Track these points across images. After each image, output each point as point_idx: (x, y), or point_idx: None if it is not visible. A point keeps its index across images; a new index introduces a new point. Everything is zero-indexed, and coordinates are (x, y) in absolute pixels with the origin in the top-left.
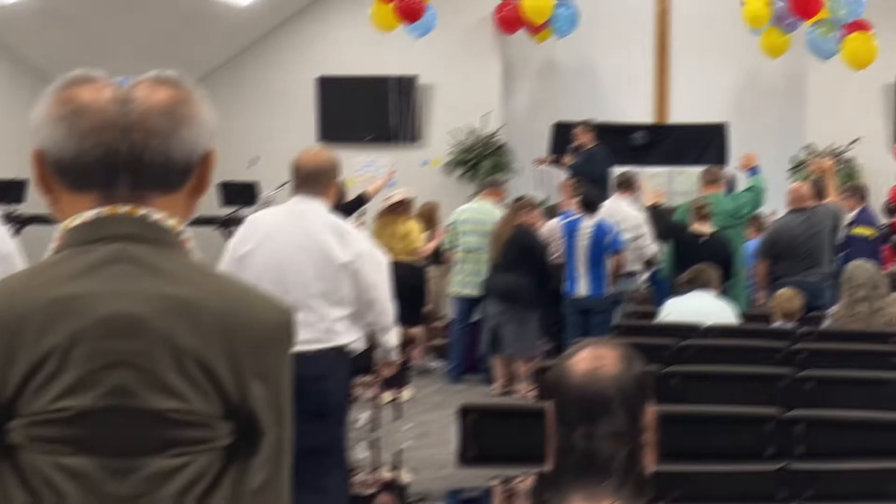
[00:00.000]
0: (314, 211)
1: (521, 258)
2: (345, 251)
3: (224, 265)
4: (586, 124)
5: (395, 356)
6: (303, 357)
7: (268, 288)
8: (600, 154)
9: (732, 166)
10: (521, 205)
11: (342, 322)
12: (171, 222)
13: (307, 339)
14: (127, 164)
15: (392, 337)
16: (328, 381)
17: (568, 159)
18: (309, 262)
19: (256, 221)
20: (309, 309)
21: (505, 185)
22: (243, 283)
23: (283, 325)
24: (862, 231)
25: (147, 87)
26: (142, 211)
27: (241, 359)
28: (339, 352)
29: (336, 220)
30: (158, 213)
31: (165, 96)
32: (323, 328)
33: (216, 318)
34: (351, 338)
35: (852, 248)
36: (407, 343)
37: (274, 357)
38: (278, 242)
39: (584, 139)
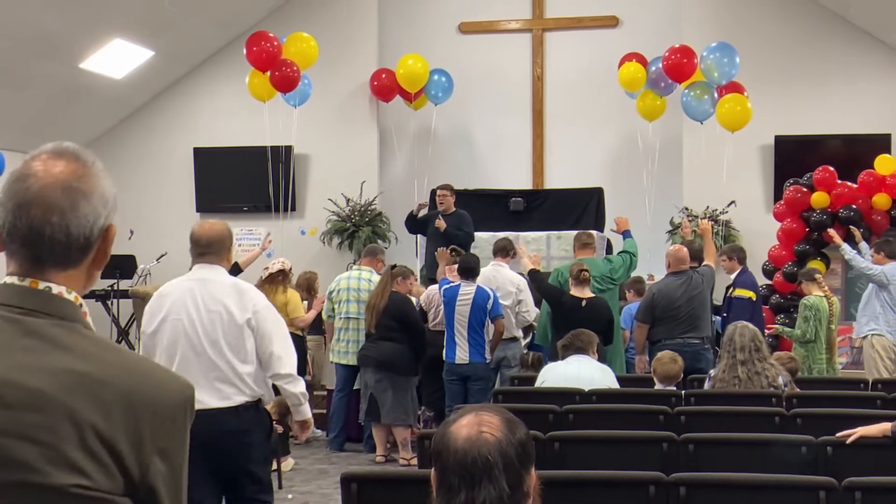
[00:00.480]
0: (215, 277)
1: (397, 326)
2: (244, 310)
3: (142, 336)
4: (449, 187)
5: (305, 412)
6: (223, 412)
7: (183, 349)
8: (467, 215)
9: (609, 230)
10: (395, 273)
11: (251, 377)
12: (72, 296)
13: (226, 393)
14: (25, 239)
15: (297, 385)
16: (251, 435)
17: (441, 223)
18: (217, 323)
19: (164, 293)
20: (221, 366)
21: (383, 253)
22: (145, 360)
23: (185, 401)
24: (742, 293)
25: (45, 161)
26: (42, 285)
27: (143, 435)
28: (256, 405)
29: (235, 281)
30: (59, 287)
31: (64, 170)
32: (237, 383)
33: (119, 394)
34: (262, 391)
35: (733, 310)
36: (285, 413)
37: (175, 433)
38: (188, 308)
39: (449, 202)
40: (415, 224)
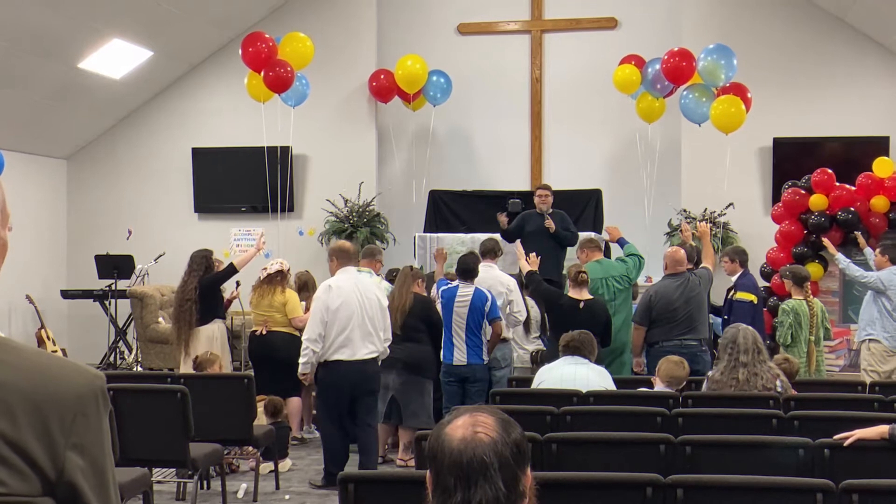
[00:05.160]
0: (365, 277)
1: (424, 328)
2: (383, 299)
3: (321, 313)
4: (548, 187)
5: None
6: (370, 361)
7: (352, 321)
8: (566, 214)
9: (602, 240)
10: (415, 274)
11: (382, 341)
12: None
13: (371, 350)
14: None
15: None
16: (379, 374)
17: (551, 223)
18: (371, 308)
19: (338, 286)
20: (372, 333)
21: (381, 254)
22: (47, 356)
23: (94, 392)
24: (744, 296)
25: None
26: None
27: (53, 434)
28: (378, 358)
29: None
30: None
31: None
32: (377, 343)
33: (23, 394)
34: (384, 349)
35: (734, 313)
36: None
37: (88, 427)
38: (356, 295)
39: (549, 202)
40: (508, 234)
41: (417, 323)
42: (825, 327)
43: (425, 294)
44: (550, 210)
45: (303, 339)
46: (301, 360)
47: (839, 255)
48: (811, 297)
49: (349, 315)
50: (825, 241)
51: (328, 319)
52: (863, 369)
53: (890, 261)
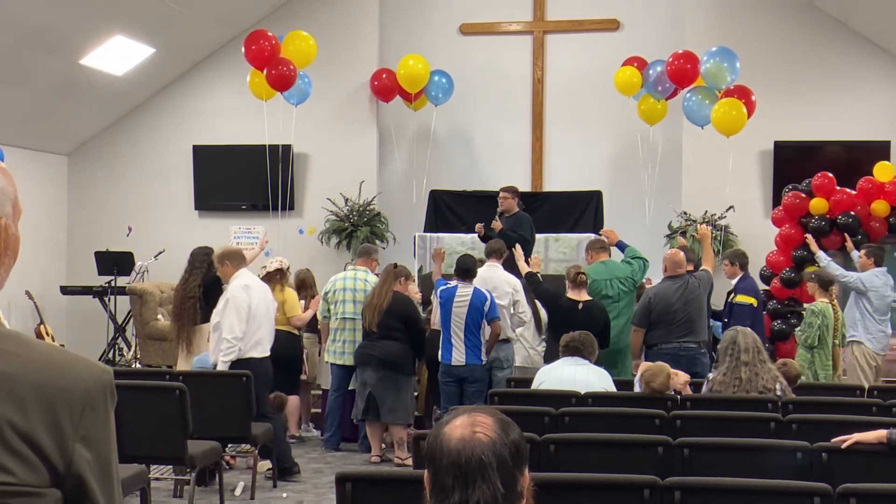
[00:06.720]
0: (258, 280)
1: (401, 326)
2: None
3: (245, 312)
4: (511, 189)
5: None
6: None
7: (265, 323)
8: (526, 218)
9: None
10: (398, 272)
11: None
12: None
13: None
14: None
15: None
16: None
17: (497, 224)
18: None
19: (253, 286)
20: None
21: (377, 253)
22: (58, 350)
23: (103, 387)
24: (744, 299)
25: None
26: None
27: (62, 426)
28: None
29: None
30: None
31: None
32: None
33: (33, 386)
34: None
35: (734, 316)
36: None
37: (96, 420)
38: (262, 295)
39: (510, 204)
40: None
41: (394, 321)
42: (843, 333)
43: (407, 293)
44: (514, 211)
45: (228, 337)
46: (225, 359)
47: (820, 253)
48: (835, 301)
49: (262, 314)
50: (808, 238)
51: (249, 312)
52: (851, 373)
53: (874, 263)
